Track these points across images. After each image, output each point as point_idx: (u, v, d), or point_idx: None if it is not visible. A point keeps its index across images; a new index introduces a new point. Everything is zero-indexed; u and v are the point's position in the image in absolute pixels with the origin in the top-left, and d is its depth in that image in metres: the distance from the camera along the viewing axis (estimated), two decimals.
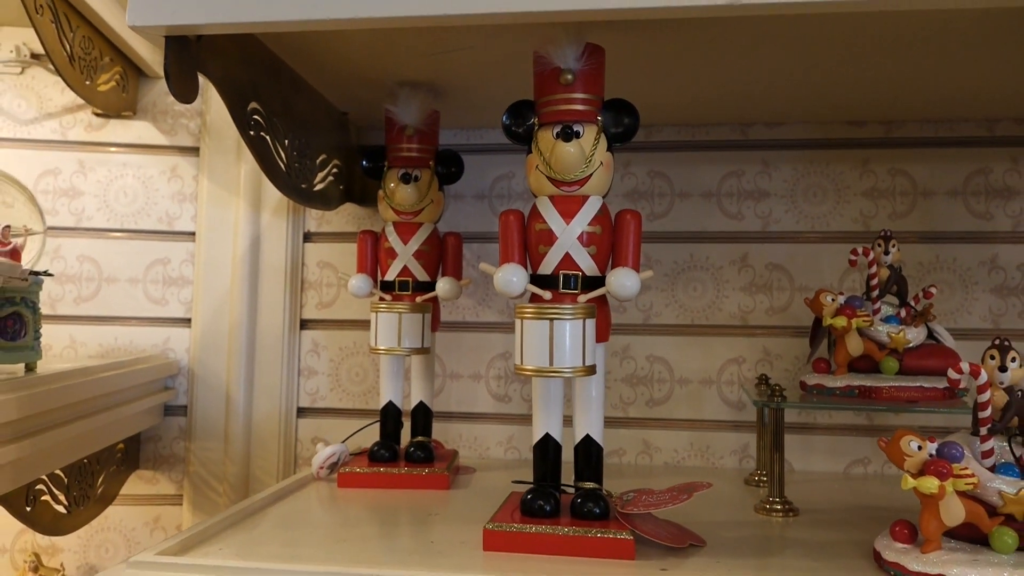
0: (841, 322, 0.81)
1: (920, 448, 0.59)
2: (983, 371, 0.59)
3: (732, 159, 1.06)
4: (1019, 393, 0.60)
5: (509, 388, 1.07)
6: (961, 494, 0.59)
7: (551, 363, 0.64)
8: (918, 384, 0.81)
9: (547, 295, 0.67)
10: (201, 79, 0.68)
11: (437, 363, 1.07)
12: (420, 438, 0.91)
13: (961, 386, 0.61)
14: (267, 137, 0.79)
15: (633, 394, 1.05)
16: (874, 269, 0.85)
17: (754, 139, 1.05)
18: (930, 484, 0.57)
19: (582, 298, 0.67)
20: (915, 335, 0.84)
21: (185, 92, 0.66)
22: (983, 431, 0.60)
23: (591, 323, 0.66)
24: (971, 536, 0.60)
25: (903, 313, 0.86)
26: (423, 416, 0.93)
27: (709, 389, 1.04)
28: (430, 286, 0.91)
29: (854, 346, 0.83)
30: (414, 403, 0.93)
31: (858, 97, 0.94)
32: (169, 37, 0.64)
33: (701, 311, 1.05)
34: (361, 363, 1.10)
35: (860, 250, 0.85)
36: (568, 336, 0.64)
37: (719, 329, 1.04)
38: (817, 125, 1.04)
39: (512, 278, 0.67)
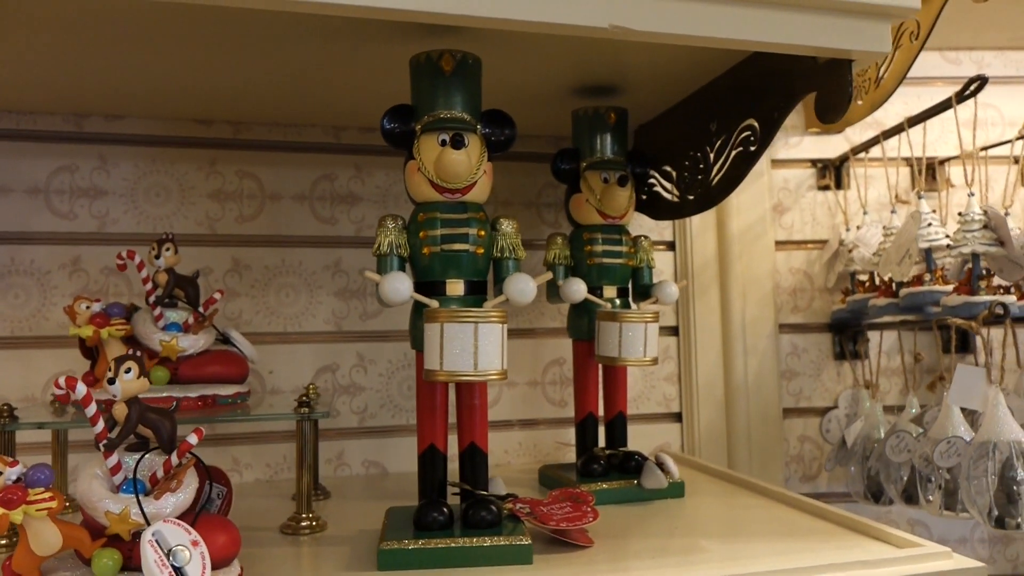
0: (87, 332, 0.75)
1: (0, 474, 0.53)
2: (80, 385, 0.56)
3: (65, 152, 0.95)
4: (139, 405, 0.58)
5: None
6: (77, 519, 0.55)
7: None
8: (185, 394, 0.78)
9: None
10: None
11: None
12: None
13: (74, 400, 0.56)
14: None
15: None
16: (145, 273, 0.80)
17: (90, 132, 0.96)
18: None
19: None
20: (193, 342, 0.81)
21: None
22: (101, 447, 0.57)
23: None
24: None
25: (191, 320, 0.83)
26: None
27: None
28: None
29: (115, 356, 0.77)
30: None
31: (205, 94, 0.90)
32: None
33: (24, 321, 0.93)
34: None
35: (125, 253, 0.80)
36: None
37: (45, 340, 0.94)
38: (161, 121, 0.98)
39: None
